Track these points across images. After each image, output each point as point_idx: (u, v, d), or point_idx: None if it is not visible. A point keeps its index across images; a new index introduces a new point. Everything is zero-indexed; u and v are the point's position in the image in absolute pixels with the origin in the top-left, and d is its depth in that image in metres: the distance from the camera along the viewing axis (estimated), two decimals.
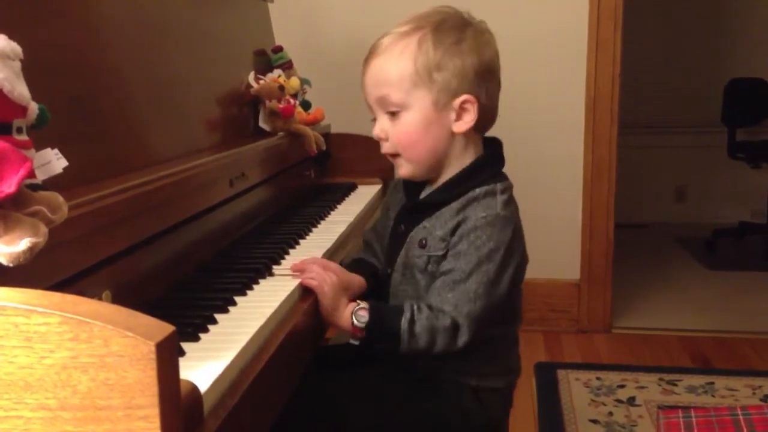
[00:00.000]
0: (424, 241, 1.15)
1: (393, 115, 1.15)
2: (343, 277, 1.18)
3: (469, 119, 1.14)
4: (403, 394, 1.17)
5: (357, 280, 1.21)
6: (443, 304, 1.09)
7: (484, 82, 1.15)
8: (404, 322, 1.08)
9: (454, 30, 1.14)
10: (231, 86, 1.66)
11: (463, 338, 1.08)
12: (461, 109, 1.14)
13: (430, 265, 1.14)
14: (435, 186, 1.19)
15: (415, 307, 1.10)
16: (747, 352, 2.62)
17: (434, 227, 1.15)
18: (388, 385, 1.19)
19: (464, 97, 1.13)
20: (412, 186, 1.23)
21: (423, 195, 1.21)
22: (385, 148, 1.18)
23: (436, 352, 1.10)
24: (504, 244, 1.10)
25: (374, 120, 1.19)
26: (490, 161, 1.18)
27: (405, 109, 1.13)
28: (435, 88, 1.12)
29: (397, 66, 1.13)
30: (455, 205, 1.14)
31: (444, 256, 1.12)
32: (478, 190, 1.14)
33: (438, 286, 1.11)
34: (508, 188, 1.17)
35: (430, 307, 1.10)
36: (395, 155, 1.18)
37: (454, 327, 1.08)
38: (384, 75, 1.14)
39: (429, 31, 1.13)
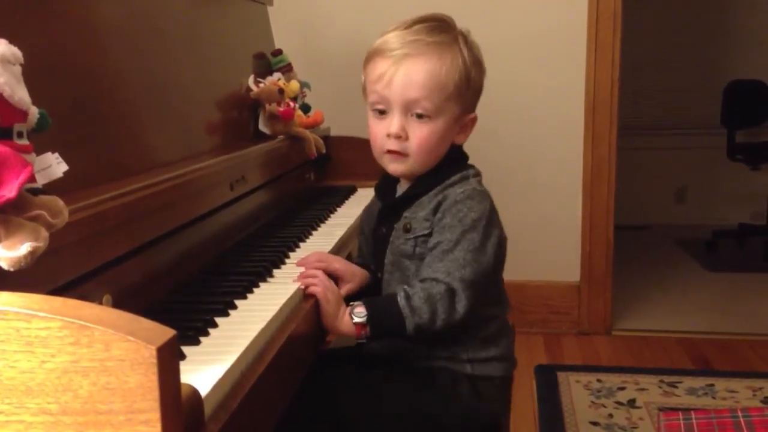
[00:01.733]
0: (408, 226, 1.18)
1: (419, 118, 1.15)
2: (346, 268, 1.22)
3: (468, 134, 1.23)
4: (401, 391, 1.17)
5: (361, 271, 1.25)
6: (435, 273, 1.12)
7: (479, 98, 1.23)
8: (401, 300, 1.10)
9: (475, 45, 1.20)
10: (231, 89, 1.66)
11: (461, 302, 1.10)
12: (466, 125, 1.21)
13: (417, 248, 1.17)
14: (407, 184, 1.24)
15: (407, 286, 1.12)
16: (747, 354, 2.62)
17: (415, 213, 1.19)
18: (387, 386, 1.19)
19: (473, 115, 1.22)
20: (386, 191, 1.27)
21: (398, 195, 1.25)
22: (395, 145, 1.17)
23: (440, 324, 1.10)
24: (485, 214, 1.15)
25: (381, 112, 1.18)
26: (458, 156, 1.23)
27: (435, 116, 1.15)
28: (461, 103, 1.18)
29: (447, 74, 1.14)
30: (432, 193, 1.19)
31: (429, 235, 1.16)
32: (452, 177, 1.19)
33: (428, 261, 1.15)
34: (479, 174, 1.23)
35: (423, 280, 1.12)
36: (401, 154, 1.18)
37: (450, 292, 1.10)
38: (430, 80, 1.13)
39: (463, 43, 1.17)
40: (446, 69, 1.14)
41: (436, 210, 1.16)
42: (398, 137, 1.16)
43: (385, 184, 1.28)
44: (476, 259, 1.12)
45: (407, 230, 1.18)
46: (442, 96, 1.14)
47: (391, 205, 1.25)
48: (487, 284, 1.17)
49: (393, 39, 1.16)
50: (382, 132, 1.18)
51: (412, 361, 1.20)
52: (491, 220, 1.16)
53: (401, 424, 1.17)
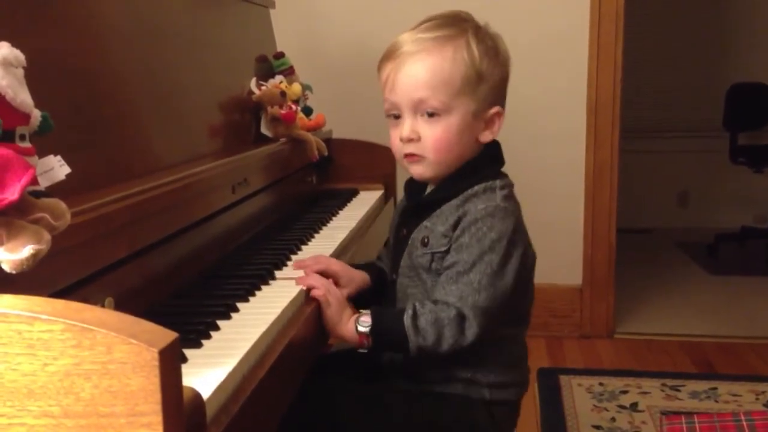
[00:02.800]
0: (426, 240, 1.14)
1: (430, 117, 1.12)
2: (344, 271, 1.21)
3: (495, 130, 1.17)
4: (409, 407, 1.15)
5: (359, 274, 1.24)
6: (447, 296, 1.08)
7: (505, 93, 1.19)
8: (407, 319, 1.07)
9: (489, 37, 1.15)
10: (233, 92, 1.66)
11: (471, 330, 1.06)
12: (490, 120, 1.16)
13: (434, 263, 1.13)
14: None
15: (417, 304, 1.09)
16: (750, 357, 2.61)
17: (435, 225, 1.14)
18: (394, 397, 1.17)
19: (496, 109, 1.16)
20: (414, 189, 1.23)
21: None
22: (410, 148, 1.14)
23: (446, 348, 1.07)
24: (506, 234, 1.09)
25: (395, 117, 1.15)
26: (489, 160, 1.18)
27: (446, 113, 1.11)
28: (477, 98, 1.13)
29: (450, 68, 1.10)
30: (455, 201, 1.14)
31: (447, 252, 1.11)
32: (477, 187, 1.14)
33: (442, 281, 1.10)
34: (508, 185, 1.17)
35: (435, 302, 1.09)
36: (418, 156, 1.14)
37: (460, 318, 1.06)
38: (432, 77, 1.10)
39: (472, 36, 1.13)
40: (448, 63, 1.10)
41: (455, 226, 1.11)
42: (410, 140, 1.13)
43: (415, 182, 1.23)
44: (492, 283, 1.07)
45: (425, 244, 1.14)
46: (449, 92, 1.10)
47: (413, 207, 1.22)
48: (508, 305, 1.11)
49: (398, 41, 1.14)
50: (397, 137, 1.15)
51: (428, 381, 1.16)
52: (513, 240, 1.10)
53: None
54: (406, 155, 1.15)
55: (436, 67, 1.10)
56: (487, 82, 1.13)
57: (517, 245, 1.11)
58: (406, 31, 1.15)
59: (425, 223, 1.16)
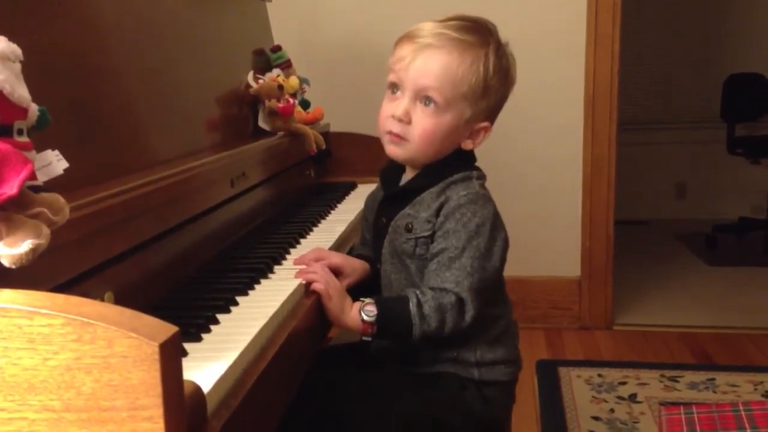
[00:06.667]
0: (410, 225, 1.17)
1: (426, 106, 1.15)
2: (346, 262, 1.23)
3: (478, 141, 1.21)
4: (405, 393, 1.17)
5: (360, 263, 1.26)
6: (444, 283, 1.11)
7: (499, 113, 1.22)
8: (412, 307, 1.10)
9: (507, 56, 1.20)
10: (230, 86, 1.66)
11: (470, 312, 1.11)
12: (476, 132, 1.20)
13: (418, 248, 1.17)
14: (411, 174, 1.22)
15: (418, 292, 1.12)
16: (748, 348, 2.62)
17: (417, 212, 1.18)
18: (390, 385, 1.19)
19: (486, 124, 1.20)
20: (389, 179, 1.26)
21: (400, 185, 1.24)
22: (397, 128, 1.16)
23: (446, 332, 1.11)
24: (488, 218, 1.14)
25: (393, 93, 1.17)
26: (464, 155, 1.22)
27: (442, 109, 1.15)
28: (475, 108, 1.16)
29: (463, 73, 1.13)
30: (435, 189, 1.18)
31: (431, 237, 1.15)
32: (455, 176, 1.18)
33: (434, 268, 1.14)
34: (482, 177, 1.22)
35: (432, 289, 1.12)
36: (401, 138, 1.17)
37: (460, 302, 1.10)
38: (444, 72, 1.13)
39: (493, 51, 1.16)
40: (463, 68, 1.13)
41: (438, 212, 1.15)
42: (401, 121, 1.16)
43: (390, 171, 1.26)
44: (482, 266, 1.12)
45: (408, 230, 1.17)
46: (453, 92, 1.13)
47: (391, 196, 1.24)
48: (491, 289, 1.16)
49: (424, 27, 1.16)
50: (388, 112, 1.17)
51: (419, 363, 1.19)
52: (495, 224, 1.15)
53: (403, 425, 1.16)
54: (390, 133, 1.18)
55: (452, 66, 1.13)
56: (490, 98, 1.17)
57: (499, 229, 1.17)
58: (430, 21, 1.17)
59: (406, 210, 1.19)
